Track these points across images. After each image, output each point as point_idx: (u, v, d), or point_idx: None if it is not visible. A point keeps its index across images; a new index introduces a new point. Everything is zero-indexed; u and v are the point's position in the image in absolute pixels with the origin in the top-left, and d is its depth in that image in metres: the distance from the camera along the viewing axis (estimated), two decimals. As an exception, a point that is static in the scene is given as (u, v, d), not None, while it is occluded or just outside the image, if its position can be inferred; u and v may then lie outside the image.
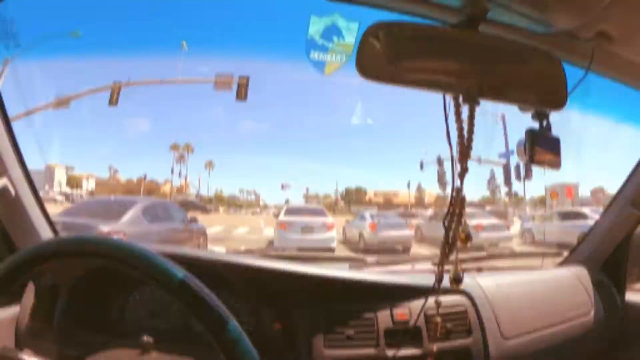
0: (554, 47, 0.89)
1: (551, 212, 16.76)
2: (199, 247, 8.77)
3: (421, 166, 28.13)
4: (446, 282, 1.01)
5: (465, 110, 0.77)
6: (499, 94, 0.80)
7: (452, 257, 0.89)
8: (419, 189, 46.42)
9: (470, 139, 0.77)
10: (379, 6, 0.85)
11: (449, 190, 0.84)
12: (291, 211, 11.60)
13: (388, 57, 0.72)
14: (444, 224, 0.82)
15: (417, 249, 11.22)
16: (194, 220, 9.30)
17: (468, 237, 0.81)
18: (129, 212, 7.04)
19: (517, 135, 0.96)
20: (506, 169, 19.30)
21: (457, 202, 0.81)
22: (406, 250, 11.05)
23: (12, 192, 1.24)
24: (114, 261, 0.73)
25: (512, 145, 19.68)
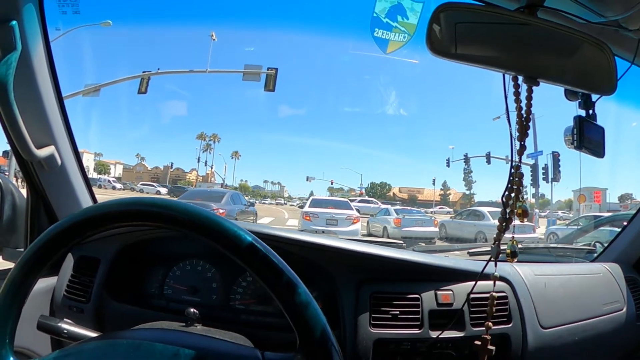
0: (603, 37, 0.90)
1: (578, 215, 16.35)
2: (253, 221, 11.89)
3: (447, 163, 27.81)
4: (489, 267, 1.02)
5: (523, 90, 0.79)
6: (555, 77, 0.82)
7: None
8: (444, 186, 46.14)
9: (528, 118, 0.80)
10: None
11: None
12: (316, 203, 11.63)
13: (453, 36, 0.75)
14: (502, 199, 0.84)
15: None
16: (252, 204, 14.13)
17: (525, 213, 0.82)
18: (224, 197, 10.88)
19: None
20: (534, 170, 18.81)
21: (516, 178, 0.83)
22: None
23: (59, 161, 1.28)
24: (181, 225, 0.67)
25: (541, 146, 19.25)
